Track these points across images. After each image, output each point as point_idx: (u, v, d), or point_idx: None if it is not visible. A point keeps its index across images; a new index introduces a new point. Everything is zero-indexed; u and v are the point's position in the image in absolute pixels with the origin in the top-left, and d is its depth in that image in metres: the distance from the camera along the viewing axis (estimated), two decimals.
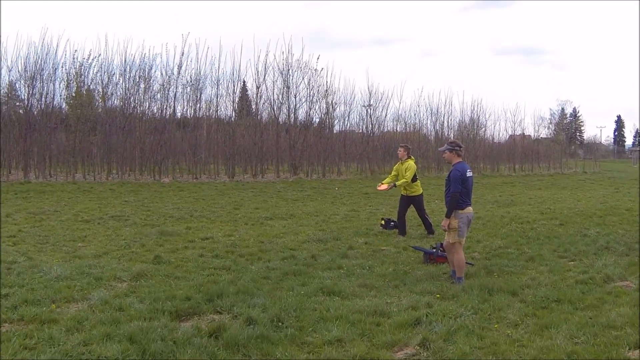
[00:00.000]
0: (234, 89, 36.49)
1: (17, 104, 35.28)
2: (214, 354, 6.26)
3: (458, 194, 9.53)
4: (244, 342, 6.53)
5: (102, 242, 12.86)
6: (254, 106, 38.23)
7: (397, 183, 14.45)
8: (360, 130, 41.13)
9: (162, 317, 7.34)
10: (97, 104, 34.83)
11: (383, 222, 15.15)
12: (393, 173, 14.92)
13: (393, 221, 14.93)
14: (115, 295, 8.40)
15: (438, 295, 8.56)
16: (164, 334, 6.71)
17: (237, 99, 37.33)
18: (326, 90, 37.93)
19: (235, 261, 10.97)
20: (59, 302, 8.01)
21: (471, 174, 9.85)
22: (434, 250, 11.21)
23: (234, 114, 37.45)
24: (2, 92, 33.66)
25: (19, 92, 34.35)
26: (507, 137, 49.48)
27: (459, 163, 9.81)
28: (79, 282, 9.08)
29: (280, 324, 7.18)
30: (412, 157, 14.81)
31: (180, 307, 7.79)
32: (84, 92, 34.37)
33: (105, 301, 8.01)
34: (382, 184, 14.89)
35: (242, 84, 38.02)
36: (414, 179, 14.43)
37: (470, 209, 9.77)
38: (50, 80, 32.34)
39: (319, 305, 7.99)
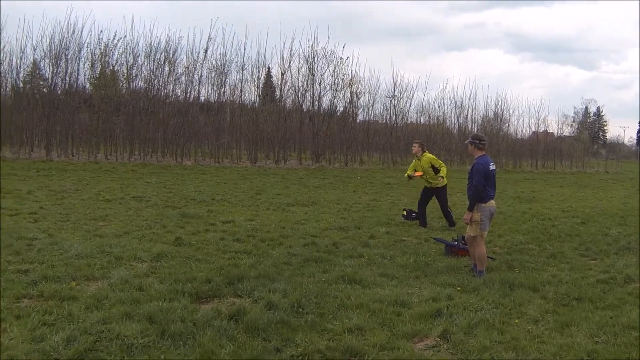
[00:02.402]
0: (258, 75, 36.54)
1: (41, 82, 35.48)
2: (233, 337, 6.23)
3: (481, 186, 9.45)
4: (264, 326, 6.51)
5: (123, 222, 12.89)
6: (278, 92, 38.22)
7: (441, 172, 14.31)
8: (384, 121, 41.01)
9: (182, 299, 7.34)
10: (121, 84, 34.94)
11: (405, 212, 15.07)
12: (412, 168, 14.81)
13: (415, 212, 14.84)
14: (135, 275, 8.41)
15: (459, 288, 8.48)
16: (184, 315, 6.70)
17: (261, 85, 37.32)
18: (351, 79, 37.77)
19: (256, 246, 10.96)
20: (79, 279, 8.04)
21: (494, 168, 9.75)
22: (456, 242, 11.11)
23: (257, 100, 37.49)
24: (24, 70, 33.90)
25: (43, 71, 34.54)
26: (530, 133, 49.06)
27: (482, 156, 9.72)
28: (99, 260, 9.11)
29: (300, 309, 7.16)
30: (427, 151, 14.70)
31: (201, 289, 7.79)
32: (108, 72, 34.51)
33: (125, 280, 8.02)
34: (415, 172, 14.75)
35: (266, 70, 38.04)
36: (436, 171, 14.33)
37: (492, 202, 9.68)
38: (75, 60, 32.50)
39: (340, 292, 7.95)
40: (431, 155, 14.52)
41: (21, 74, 34.00)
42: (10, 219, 12.51)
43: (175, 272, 8.62)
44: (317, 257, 10.09)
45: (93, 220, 12.84)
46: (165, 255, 9.71)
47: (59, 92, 32.78)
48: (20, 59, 32.74)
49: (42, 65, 33.59)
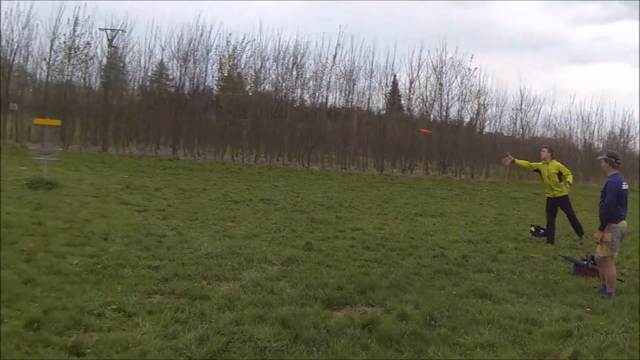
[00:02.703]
0: (386, 82, 36.62)
1: (167, 82, 36.69)
2: (367, 346, 6.17)
3: (613, 206, 9.17)
4: (397, 337, 6.45)
5: (252, 223, 13.03)
6: (404, 101, 38.20)
7: (567, 179, 13.97)
8: (510, 133, 40.28)
9: (315, 304, 7.33)
10: (248, 87, 35.67)
11: (533, 228, 14.68)
12: (532, 163, 14.52)
13: (542, 228, 14.44)
14: (266, 277, 8.46)
15: (588, 309, 8.21)
16: (317, 321, 6.69)
17: (388, 93, 37.32)
18: (479, 90, 37.33)
19: (386, 255, 10.85)
20: (209, 279, 8.15)
21: (627, 187, 9.47)
22: (585, 262, 10.73)
23: (385, 108, 37.52)
24: (152, 70, 35.22)
25: (169, 71, 35.73)
26: None
27: (615, 175, 9.43)
28: (229, 261, 9.22)
29: (433, 322, 7.05)
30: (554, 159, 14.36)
31: (333, 296, 7.77)
32: (236, 75, 35.30)
33: (256, 283, 8.07)
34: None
35: (392, 78, 38.04)
36: (561, 178, 13.96)
37: (624, 222, 9.37)
38: (203, 61, 33.46)
39: (471, 307, 7.80)
40: (559, 163, 14.20)
41: (149, 74, 35.38)
42: (139, 215, 12.88)
43: (306, 277, 8.64)
44: (447, 270, 9.94)
45: (221, 221, 13.04)
46: (295, 259, 9.75)
47: (187, 92, 33.82)
48: (149, 59, 34.05)
49: (169, 65, 34.77)
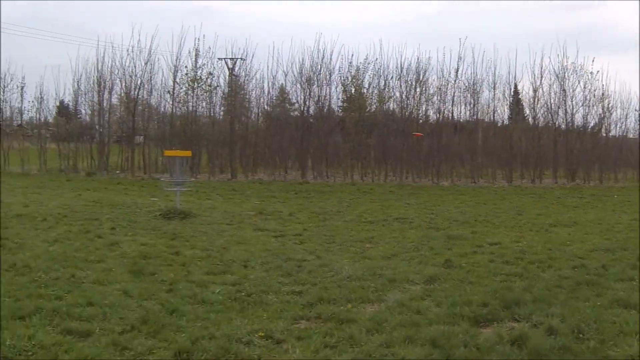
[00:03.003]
0: (510, 92, 36.31)
1: (290, 107, 37.39)
2: None
3: None
4: (547, 352, 6.29)
5: (389, 243, 12.97)
6: (527, 110, 37.62)
7: None
8: (637, 135, 38.87)
9: (462, 322, 7.21)
10: (373, 107, 35.85)
11: None
12: None
13: None
14: (410, 297, 8.36)
15: None
16: (466, 339, 6.58)
17: (510, 103, 37.03)
18: (602, 93, 36.24)
19: (526, 268, 10.58)
20: (354, 301, 8.11)
21: None
22: None
23: (509, 118, 37.23)
24: (273, 95, 35.99)
25: (292, 95, 36.41)
26: None
27: None
28: (372, 283, 9.17)
29: (580, 335, 6.81)
30: None
31: (478, 312, 7.62)
32: (359, 95, 35.60)
33: (401, 303, 7.99)
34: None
35: (514, 87, 37.56)
36: None
37: None
38: (326, 84, 33.99)
39: (617, 317, 7.47)
40: None
41: (272, 99, 36.24)
42: (276, 240, 13.03)
43: (450, 295, 8.49)
44: (588, 280, 9.55)
45: (359, 242, 13.03)
46: (437, 277, 9.61)
47: (311, 115, 34.36)
48: (272, 85, 34.87)
49: (292, 90, 35.45)
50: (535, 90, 35.37)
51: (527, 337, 6.62)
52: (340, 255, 11.42)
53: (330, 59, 33.80)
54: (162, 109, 35.79)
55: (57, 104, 38.48)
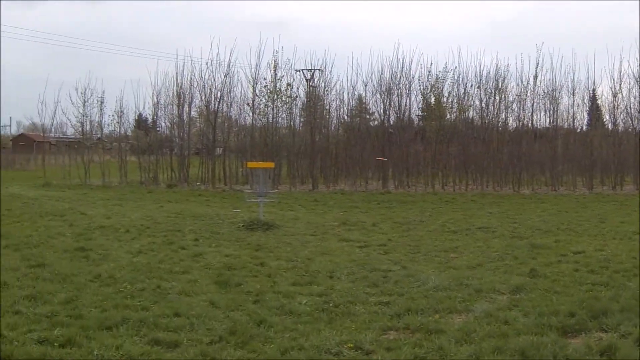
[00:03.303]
0: (589, 98, 35.58)
1: (367, 116, 37.44)
2: None
3: None
4: None
5: (473, 253, 12.87)
6: (607, 115, 36.71)
7: None
8: None
9: (550, 333, 7.11)
10: (453, 115, 35.69)
11: None
12: None
13: None
14: (497, 308, 8.29)
15: None
16: (555, 350, 6.49)
17: (590, 108, 36.26)
18: None
19: (611, 277, 10.34)
20: (441, 312, 8.08)
21: None
22: None
23: (588, 124, 36.58)
24: (352, 106, 36.16)
25: (370, 105, 36.48)
26: None
27: None
28: (458, 293, 9.12)
29: None
30: None
31: (566, 323, 7.50)
32: (438, 104, 35.46)
33: (489, 313, 7.93)
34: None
35: (593, 92, 36.71)
36: None
37: None
38: (406, 93, 33.95)
39: None
40: None
41: (351, 110, 36.37)
42: (361, 251, 13.05)
43: (537, 305, 8.36)
44: None
45: (443, 252, 12.96)
46: (523, 287, 9.49)
47: (391, 125, 34.36)
48: (351, 95, 35.01)
49: (371, 100, 35.49)
50: (614, 95, 34.49)
51: (616, 348, 6.53)
52: (426, 265, 11.38)
53: (410, 68, 33.80)
54: (242, 121, 36.34)
55: (136, 117, 39.49)
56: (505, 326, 7.41)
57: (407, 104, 34.53)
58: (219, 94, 34.26)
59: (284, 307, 8.34)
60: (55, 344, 6.62)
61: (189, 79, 34.74)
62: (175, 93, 34.97)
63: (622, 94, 34.36)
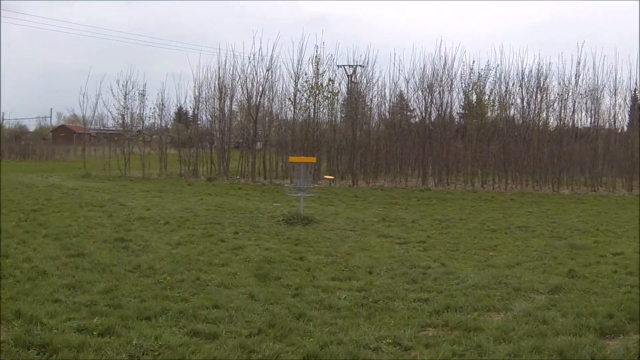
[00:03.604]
0: (630, 98, 35.32)
1: (409, 113, 37.34)
2: None
3: None
4: None
5: (512, 252, 12.82)
6: None
7: None
8: None
9: (588, 334, 7.09)
10: (494, 113, 35.46)
11: None
12: None
13: None
14: (536, 307, 8.27)
15: None
16: (593, 351, 6.47)
17: (631, 108, 35.82)
18: None
19: None
20: (480, 310, 8.07)
21: None
22: None
23: (629, 125, 36.02)
24: (393, 102, 36.08)
25: (411, 102, 36.39)
26: None
27: None
28: (497, 291, 9.10)
29: None
30: None
31: (604, 324, 7.46)
32: (479, 101, 35.27)
33: (527, 313, 7.92)
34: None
35: (634, 93, 36.16)
36: None
37: None
38: (448, 90, 33.86)
39: None
40: None
41: (391, 106, 36.31)
42: (400, 247, 13.07)
43: (575, 306, 8.31)
44: None
45: (482, 250, 12.93)
46: (561, 287, 9.44)
47: (432, 122, 34.27)
48: (393, 92, 34.97)
49: (414, 97, 35.35)
50: None
51: None
52: (465, 263, 11.37)
53: (452, 65, 33.67)
54: (283, 116, 36.48)
55: (177, 110, 39.81)
56: (544, 326, 7.39)
57: (449, 101, 34.41)
58: (260, 89, 34.44)
59: (323, 301, 8.41)
60: (95, 332, 6.74)
61: (231, 72, 34.96)
62: (216, 87, 35.24)
63: None
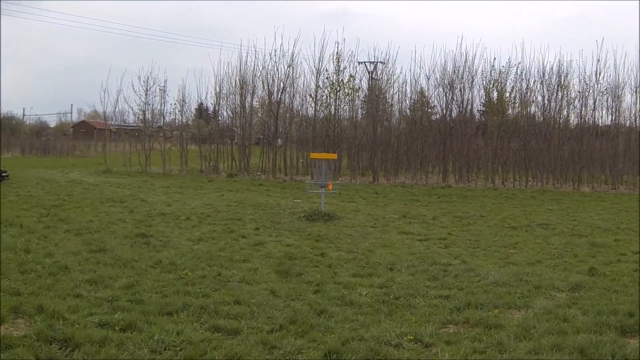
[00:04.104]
0: None
1: (429, 110, 37.25)
2: None
3: None
4: None
5: (533, 249, 12.78)
6: None
7: None
8: None
9: (609, 332, 7.05)
10: (515, 111, 35.30)
11: None
12: None
13: None
14: (556, 305, 8.24)
15: None
16: (614, 349, 6.44)
17: None
18: None
19: None
20: (501, 307, 8.05)
21: None
22: None
23: None
24: (414, 99, 35.97)
25: (432, 99, 36.28)
26: None
27: None
28: (518, 289, 9.07)
29: None
30: None
31: (625, 322, 7.40)
32: (500, 99, 35.11)
33: (548, 310, 7.89)
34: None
35: None
36: None
37: None
38: (468, 87, 33.71)
39: None
40: None
41: (412, 103, 36.22)
42: (421, 244, 13.07)
43: (596, 304, 8.27)
44: None
45: (503, 248, 12.89)
46: (582, 285, 9.40)
47: (453, 119, 34.16)
48: (414, 88, 34.88)
49: (435, 94, 35.23)
50: None
51: None
52: (485, 260, 11.35)
53: (473, 62, 33.55)
54: (304, 112, 36.52)
55: (197, 106, 39.93)
56: (564, 323, 7.36)
57: (469, 98, 34.28)
58: (281, 85, 34.55)
59: (345, 297, 8.42)
60: (116, 327, 6.77)
61: (252, 68, 35.13)
62: (237, 82, 35.35)
63: None
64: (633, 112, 34.17)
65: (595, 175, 33.21)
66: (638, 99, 33.07)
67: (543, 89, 33.95)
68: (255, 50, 44.94)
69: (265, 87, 35.11)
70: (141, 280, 9.01)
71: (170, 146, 38.29)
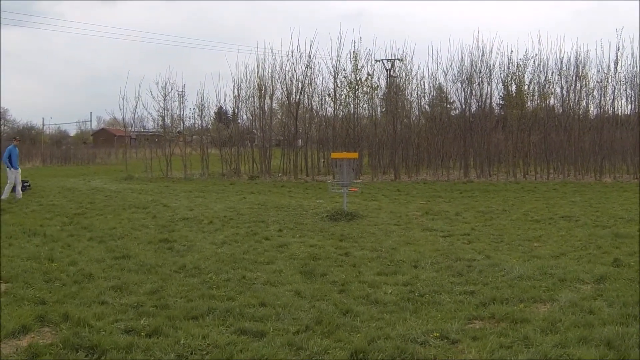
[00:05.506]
0: None
1: (448, 106, 37.14)
2: None
3: None
4: None
5: (557, 242, 12.70)
6: None
7: None
8: None
9: (635, 323, 6.97)
10: (534, 103, 35.08)
11: None
12: None
13: None
14: (582, 297, 8.16)
15: None
16: None
17: None
18: None
19: None
20: (526, 301, 8.00)
21: None
22: None
23: None
24: (432, 95, 35.83)
25: (450, 94, 36.17)
26: None
27: None
28: (543, 282, 9.01)
29: None
30: None
31: None
32: (519, 92, 34.92)
33: (573, 303, 7.82)
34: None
35: None
36: None
37: None
38: (487, 81, 33.53)
39: None
40: None
41: (431, 99, 36.12)
42: (445, 240, 13.03)
43: (622, 295, 8.19)
44: None
45: (527, 241, 12.82)
46: (607, 277, 9.31)
47: (473, 114, 34.03)
48: (433, 84, 34.78)
49: (453, 89, 35.12)
50: None
51: None
52: (509, 255, 11.28)
53: (490, 56, 33.46)
54: (324, 112, 36.49)
55: (216, 110, 40.04)
56: (590, 316, 7.30)
57: (488, 92, 34.23)
58: (300, 86, 34.58)
59: (370, 296, 8.40)
60: (142, 333, 6.78)
61: (270, 70, 35.30)
62: (256, 85, 35.46)
63: None
64: None
65: (617, 166, 33.01)
66: None
67: (561, 81, 33.88)
68: (272, 52, 45.12)
69: (284, 89, 35.26)
70: (166, 286, 9.03)
71: (191, 151, 38.42)
